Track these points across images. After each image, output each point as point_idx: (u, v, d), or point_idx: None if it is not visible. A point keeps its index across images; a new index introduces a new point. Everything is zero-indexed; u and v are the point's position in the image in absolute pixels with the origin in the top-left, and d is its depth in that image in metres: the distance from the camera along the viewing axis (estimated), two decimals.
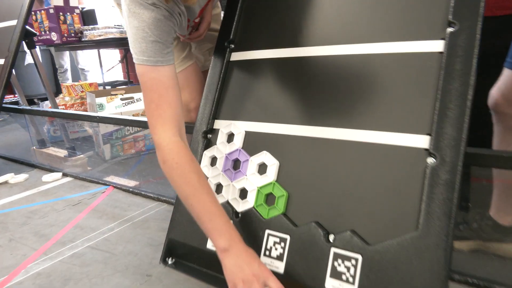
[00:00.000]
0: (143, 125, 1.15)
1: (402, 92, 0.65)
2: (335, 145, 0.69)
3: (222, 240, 0.65)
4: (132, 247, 0.93)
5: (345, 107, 0.70)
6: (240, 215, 0.76)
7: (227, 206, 0.78)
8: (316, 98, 0.74)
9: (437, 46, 0.64)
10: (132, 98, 1.95)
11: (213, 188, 0.82)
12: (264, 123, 0.79)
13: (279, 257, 0.69)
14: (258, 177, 0.76)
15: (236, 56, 0.89)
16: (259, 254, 0.71)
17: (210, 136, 0.87)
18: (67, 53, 3.22)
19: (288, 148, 0.75)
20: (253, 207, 0.75)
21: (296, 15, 0.82)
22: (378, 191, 0.63)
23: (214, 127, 0.87)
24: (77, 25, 2.67)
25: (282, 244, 0.69)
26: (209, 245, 0.78)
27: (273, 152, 0.76)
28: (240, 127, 0.82)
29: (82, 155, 1.68)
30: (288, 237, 0.69)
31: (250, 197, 0.76)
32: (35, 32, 1.60)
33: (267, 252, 0.70)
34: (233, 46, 0.90)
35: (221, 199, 0.79)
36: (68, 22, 2.63)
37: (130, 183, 1.33)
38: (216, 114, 0.88)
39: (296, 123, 0.75)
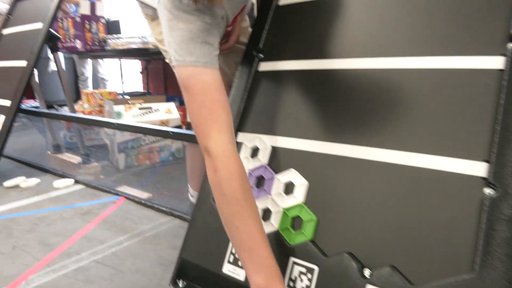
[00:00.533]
0: (161, 134, 1.11)
1: (454, 112, 0.58)
2: (374, 167, 0.62)
3: (260, 276, 0.57)
4: (141, 265, 0.86)
5: (387, 125, 0.63)
6: None
7: None
8: (352, 114, 0.67)
9: (496, 62, 0.57)
10: (150, 108, 1.92)
11: None
12: (293, 139, 0.72)
13: None
14: (284, 197, 0.69)
15: (265, 66, 0.84)
16: None
17: None
18: (89, 61, 3.26)
19: (319, 168, 0.68)
20: (277, 230, 0.67)
21: (330, 25, 0.77)
22: (425, 223, 0.55)
23: (237, 140, 0.81)
24: (102, 34, 2.69)
25: (309, 275, 0.61)
26: (226, 269, 0.70)
27: (301, 171, 0.69)
28: (266, 142, 0.75)
29: (96, 163, 1.64)
30: (316, 268, 0.61)
31: (274, 219, 0.69)
32: (59, 36, 1.60)
33: (291, 283, 0.62)
34: (261, 55, 0.85)
35: None
36: (93, 30, 2.66)
37: (143, 194, 1.28)
38: (240, 126, 0.82)
39: (329, 140, 0.68)
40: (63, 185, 1.38)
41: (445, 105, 0.58)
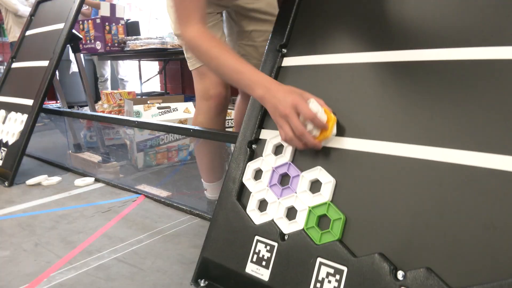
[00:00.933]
0: (182, 131, 1.10)
1: (498, 102, 0.54)
2: (409, 164, 0.58)
3: (256, 91, 0.69)
4: (162, 263, 0.85)
5: (425, 121, 0.60)
6: (286, 237, 0.66)
7: (272, 225, 0.68)
8: (385, 109, 0.64)
9: None
10: (169, 107, 1.92)
11: (257, 204, 0.73)
12: None
13: None
14: (310, 195, 0.66)
15: (289, 61, 0.81)
16: (308, 285, 0.61)
17: (255, 146, 0.78)
18: (108, 63, 3.30)
19: (347, 165, 0.65)
20: (303, 229, 0.65)
21: (362, 16, 0.74)
22: (466, 222, 0.51)
23: (260, 137, 0.79)
24: (121, 36, 2.72)
25: (337, 276, 0.59)
26: (249, 269, 0.68)
27: (328, 168, 0.66)
28: None
29: (115, 162, 1.65)
30: (345, 268, 0.58)
31: (299, 218, 0.66)
32: (80, 36, 1.61)
33: (318, 284, 0.60)
34: (285, 50, 0.82)
35: (265, 217, 0.70)
36: (112, 32, 2.70)
37: (162, 193, 1.27)
38: (263, 123, 0.80)
39: (357, 136, 0.65)
40: (84, 183, 1.39)
41: (486, 95, 0.55)
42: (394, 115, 0.63)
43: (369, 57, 0.69)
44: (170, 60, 2.92)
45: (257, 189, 0.74)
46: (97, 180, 1.44)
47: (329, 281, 0.59)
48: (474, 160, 0.53)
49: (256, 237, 0.69)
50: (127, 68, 3.31)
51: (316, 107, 0.64)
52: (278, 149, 0.75)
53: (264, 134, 0.78)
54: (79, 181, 1.40)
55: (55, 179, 1.43)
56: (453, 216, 0.52)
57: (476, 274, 0.49)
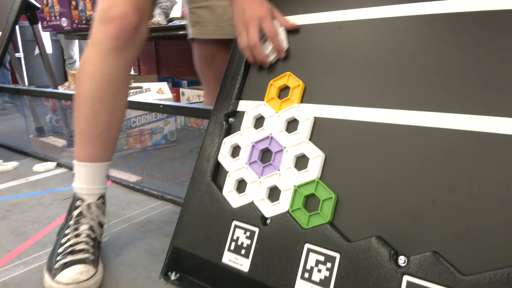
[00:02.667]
0: (153, 108, 0.98)
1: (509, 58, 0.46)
2: (409, 133, 0.50)
3: None
4: (127, 255, 0.75)
5: (425, 82, 0.51)
6: (269, 221, 0.57)
7: (252, 208, 0.59)
8: (379, 72, 0.56)
9: None
10: (141, 87, 1.79)
11: (235, 185, 0.63)
12: (309, 105, 0.61)
13: (324, 283, 0.50)
14: (296, 173, 0.57)
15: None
16: (294, 275, 0.52)
17: (233, 120, 0.69)
18: (76, 43, 3.09)
19: (336, 137, 0.56)
20: (288, 211, 0.56)
21: None
22: (478, 200, 0.44)
23: (238, 110, 0.69)
24: (90, 12, 2.53)
25: (329, 264, 0.50)
26: (226, 259, 0.59)
27: (316, 141, 0.58)
28: (273, 110, 0.64)
29: None
30: (337, 255, 0.50)
31: (283, 199, 0.57)
32: (38, 5, 1.45)
33: (306, 274, 0.51)
34: None
35: (244, 199, 0.61)
36: (80, 8, 2.50)
37: (132, 178, 1.16)
38: (241, 93, 0.70)
39: (348, 104, 0.57)
40: (44, 168, 1.26)
41: (491, 58, 0.47)
42: (388, 79, 0.54)
43: (361, 13, 0.60)
44: None
45: (235, 168, 0.64)
46: (59, 165, 1.30)
47: (319, 270, 0.51)
48: (492, 126, 0.45)
49: (234, 222, 0.60)
50: None
51: (279, 28, 0.66)
52: (258, 122, 0.65)
53: (243, 105, 0.68)
54: (39, 166, 1.27)
55: (11, 164, 1.29)
56: (465, 191, 0.45)
57: (492, 257, 0.41)
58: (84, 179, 0.71)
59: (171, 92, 1.97)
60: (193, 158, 0.70)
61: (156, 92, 1.82)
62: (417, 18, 0.55)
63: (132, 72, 3.10)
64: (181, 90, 2.37)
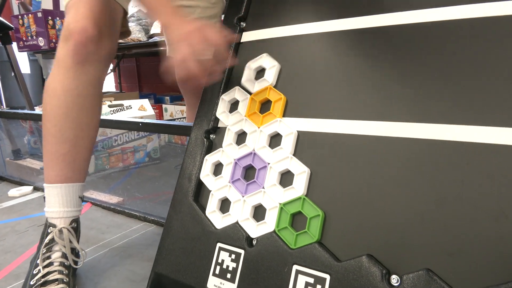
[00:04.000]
0: (132, 126, 0.95)
1: (497, 66, 0.45)
2: (400, 145, 0.49)
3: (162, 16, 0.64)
4: (107, 283, 0.70)
5: (412, 92, 0.50)
6: (255, 242, 0.55)
7: (237, 229, 0.56)
8: (364, 83, 0.54)
9: None
10: (121, 105, 1.75)
11: (218, 204, 0.61)
12: (287, 118, 0.59)
13: None
14: (281, 190, 0.55)
15: (249, 36, 0.70)
16: None
17: (214, 136, 0.66)
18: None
19: (322, 151, 0.54)
20: (274, 231, 0.53)
21: None
22: (472, 214, 0.42)
23: (219, 125, 0.67)
24: None
25: (319, 286, 0.48)
26: (211, 284, 0.56)
27: (301, 156, 0.56)
28: (255, 124, 0.62)
29: None
30: (327, 276, 0.48)
31: (269, 218, 0.55)
32: (10, 26, 1.41)
33: None
34: (244, 24, 0.71)
35: (228, 219, 0.58)
36: (57, 27, 2.46)
37: (112, 199, 1.11)
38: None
39: (333, 117, 0.55)
40: (20, 193, 1.20)
41: (486, 58, 0.46)
42: (374, 90, 0.53)
43: (341, 24, 0.59)
44: (124, 57, 2.72)
45: (217, 187, 0.61)
46: (36, 189, 1.25)
47: None
48: (480, 136, 0.44)
49: (219, 245, 0.57)
50: None
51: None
52: (240, 138, 0.63)
53: (224, 120, 0.66)
54: (14, 191, 1.21)
55: None
56: (455, 205, 0.43)
57: (486, 274, 0.40)
58: (54, 202, 0.67)
59: (153, 109, 1.93)
60: (177, 176, 0.67)
61: (138, 109, 1.78)
62: (394, 28, 0.54)
63: (113, 90, 3.05)
64: (163, 106, 2.34)
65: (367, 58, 0.55)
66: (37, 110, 1.85)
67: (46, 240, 0.65)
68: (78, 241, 0.69)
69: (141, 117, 1.77)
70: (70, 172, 0.68)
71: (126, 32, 0.84)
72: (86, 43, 0.66)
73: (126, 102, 1.76)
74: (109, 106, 1.72)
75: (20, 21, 2.50)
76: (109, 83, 3.16)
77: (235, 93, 0.66)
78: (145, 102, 1.82)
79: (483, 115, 0.44)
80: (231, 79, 0.68)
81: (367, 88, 0.54)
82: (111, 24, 0.71)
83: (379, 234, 0.47)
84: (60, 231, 0.66)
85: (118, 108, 1.73)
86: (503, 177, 0.41)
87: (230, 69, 0.68)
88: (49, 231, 0.66)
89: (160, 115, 2.30)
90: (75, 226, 0.69)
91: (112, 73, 2.97)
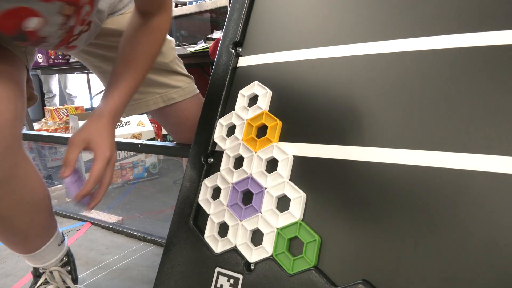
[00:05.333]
0: (131, 147, 0.96)
1: (481, 98, 0.47)
2: (393, 171, 0.50)
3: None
4: None
5: (406, 121, 0.52)
6: (253, 267, 0.56)
7: (235, 254, 0.57)
8: (356, 109, 0.56)
9: None
10: (120, 121, 1.76)
11: (216, 228, 0.62)
12: (283, 143, 0.60)
13: None
14: (278, 215, 0.56)
15: (245, 61, 0.72)
16: None
17: (212, 160, 0.67)
18: (55, 78, 3.06)
19: (316, 176, 0.56)
20: (272, 256, 0.54)
21: (321, 8, 0.66)
22: (467, 239, 0.43)
23: (216, 149, 0.68)
24: None
25: None
26: None
27: (297, 181, 0.57)
28: (252, 149, 0.63)
29: (60, 185, 1.47)
30: None
31: (266, 243, 0.56)
32: None
33: None
34: (240, 49, 0.73)
35: (226, 244, 0.59)
36: None
37: (112, 218, 1.12)
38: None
39: (327, 142, 0.56)
40: None
41: (469, 89, 0.48)
42: (363, 116, 0.54)
43: (336, 51, 0.61)
44: None
45: (216, 210, 0.62)
46: None
47: None
48: (471, 163, 0.45)
49: (217, 269, 0.58)
50: (75, 82, 3.09)
51: None
52: (237, 162, 0.64)
53: (221, 144, 0.67)
54: None
55: None
56: (447, 232, 0.44)
57: None
58: (36, 263, 0.66)
59: (152, 123, 1.95)
60: (176, 190, 0.66)
61: (136, 125, 1.80)
62: (388, 56, 0.56)
63: None
64: None
65: (358, 84, 0.57)
66: (36, 128, 1.86)
67: (40, 281, 0.65)
68: (75, 269, 0.70)
69: (140, 133, 1.79)
70: (37, 243, 0.63)
71: (31, 98, 0.67)
72: None
73: (124, 118, 1.78)
74: None
75: None
76: None
77: (232, 117, 0.67)
78: (144, 118, 1.84)
79: (475, 143, 0.46)
80: (228, 103, 0.70)
81: (359, 113, 0.55)
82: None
83: (374, 260, 0.48)
84: (51, 273, 0.66)
85: (117, 124, 1.75)
86: (495, 205, 0.42)
87: (227, 95, 0.70)
88: (40, 271, 0.67)
89: (158, 129, 2.32)
90: (66, 259, 0.69)
91: None
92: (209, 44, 1.62)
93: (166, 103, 0.80)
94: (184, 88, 0.82)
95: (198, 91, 0.86)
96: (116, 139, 0.96)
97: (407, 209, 0.47)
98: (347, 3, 0.63)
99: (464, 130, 0.47)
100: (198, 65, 2.06)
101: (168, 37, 0.80)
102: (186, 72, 0.85)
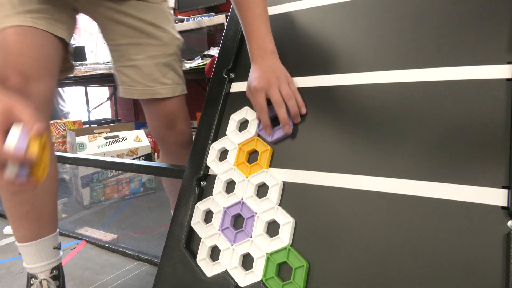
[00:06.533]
0: (126, 168, 0.98)
1: (458, 130, 0.49)
2: (375, 199, 0.52)
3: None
4: None
5: (386, 151, 0.54)
6: None
7: (226, 278, 0.59)
8: (343, 139, 0.58)
9: (503, 71, 0.49)
10: (117, 136, 1.78)
11: (208, 252, 0.63)
12: (273, 169, 0.62)
13: None
14: (268, 240, 0.58)
15: (237, 87, 0.74)
16: None
17: (205, 183, 0.69)
18: None
19: (305, 202, 0.57)
20: (261, 281, 0.56)
21: (308, 39, 0.69)
22: (443, 264, 0.45)
23: (209, 173, 0.70)
24: None
25: None
26: None
27: (286, 206, 0.59)
28: (243, 174, 0.65)
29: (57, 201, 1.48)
30: None
31: (257, 267, 0.57)
32: None
33: None
34: (233, 75, 0.75)
35: (217, 268, 0.61)
36: None
37: (107, 236, 1.13)
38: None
39: (316, 169, 0.58)
40: None
41: (446, 122, 0.50)
42: (351, 145, 0.57)
43: (323, 80, 0.64)
44: None
45: (208, 234, 0.64)
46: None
47: None
48: (450, 193, 0.47)
49: None
50: (70, 97, 3.10)
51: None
52: (229, 186, 0.66)
53: (214, 168, 0.69)
54: (9, 228, 1.22)
55: None
56: (428, 258, 0.46)
57: None
58: (31, 259, 0.68)
59: (148, 138, 1.96)
60: None
61: (133, 140, 1.81)
62: (369, 87, 0.58)
63: (110, 117, 3.08)
64: None
65: (345, 113, 0.59)
66: None
67: None
68: (64, 286, 0.71)
69: (137, 148, 1.80)
70: (36, 229, 0.68)
71: (69, 68, 0.76)
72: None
73: (121, 134, 1.79)
74: (105, 138, 1.75)
75: None
76: (105, 111, 3.21)
77: (225, 142, 0.69)
78: (141, 133, 1.85)
79: (453, 173, 0.48)
80: (221, 128, 0.72)
81: (348, 143, 0.57)
82: (42, 63, 0.63)
83: (360, 283, 0.49)
84: (41, 283, 0.67)
85: (114, 139, 1.76)
86: (471, 234, 0.44)
87: (220, 119, 0.72)
88: (31, 282, 0.68)
89: (155, 144, 2.33)
90: (57, 273, 0.70)
91: (108, 101, 3.01)
92: (206, 61, 1.66)
93: (152, 96, 0.81)
94: (172, 86, 0.83)
95: (185, 92, 0.87)
96: (112, 159, 0.98)
97: (390, 237, 0.49)
98: (330, 35, 0.66)
99: (447, 163, 0.49)
100: (194, 80, 2.10)
101: (179, 36, 0.84)
102: (181, 72, 0.86)
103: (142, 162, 0.91)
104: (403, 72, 0.56)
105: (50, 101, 0.66)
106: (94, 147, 1.71)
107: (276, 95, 0.61)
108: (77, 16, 0.76)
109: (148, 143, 1.86)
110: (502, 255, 0.42)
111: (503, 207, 0.44)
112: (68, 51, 0.73)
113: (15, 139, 0.44)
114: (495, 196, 0.45)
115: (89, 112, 2.82)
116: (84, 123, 2.58)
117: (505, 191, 0.44)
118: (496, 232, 0.43)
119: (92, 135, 1.75)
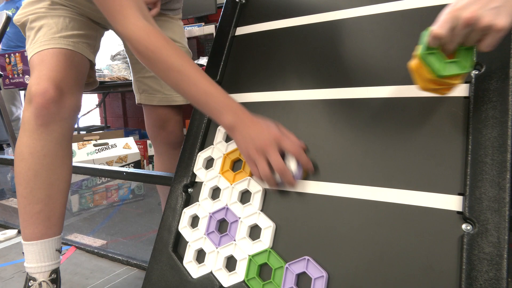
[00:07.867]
0: (116, 175, 1.01)
1: (422, 142, 0.55)
2: (343, 204, 0.57)
3: (226, 117, 0.62)
4: None
5: (356, 160, 0.59)
6: None
7: (211, 279, 0.63)
8: (320, 149, 0.63)
9: (461, 90, 0.55)
10: (106, 144, 1.81)
11: (194, 255, 0.67)
12: (257, 178, 0.67)
13: None
14: (250, 242, 0.62)
15: None
16: None
17: (192, 190, 0.73)
18: (19, 98, 2.97)
19: (285, 207, 0.62)
20: (244, 281, 0.60)
21: (290, 55, 0.74)
22: (403, 266, 0.50)
23: (196, 180, 0.74)
24: None
25: None
26: None
27: (267, 211, 0.63)
28: (228, 181, 0.69)
29: None
30: None
31: (239, 268, 0.61)
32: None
33: None
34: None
35: (203, 269, 0.64)
36: None
37: (96, 242, 1.15)
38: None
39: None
40: (4, 237, 1.22)
41: (412, 135, 0.55)
42: (328, 155, 0.62)
43: (307, 94, 0.69)
44: (110, 92, 2.79)
45: (194, 238, 0.68)
46: (20, 232, 1.27)
47: None
48: (410, 198, 0.52)
49: None
50: None
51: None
52: (215, 193, 0.70)
53: (201, 176, 0.73)
54: None
55: None
56: (392, 259, 0.51)
57: None
58: (32, 258, 0.71)
59: (138, 145, 2.00)
60: (160, 212, 0.71)
61: (123, 147, 1.84)
62: (349, 102, 0.63)
63: (99, 124, 3.10)
64: (148, 141, 2.40)
65: (323, 126, 0.64)
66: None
67: None
68: None
69: (126, 156, 1.83)
70: (44, 229, 0.72)
71: (93, 83, 0.87)
72: (47, 105, 0.68)
73: (111, 141, 1.82)
74: (94, 145, 1.78)
75: (7, 60, 2.56)
76: (95, 118, 3.22)
77: (211, 151, 0.73)
78: (130, 141, 1.88)
79: (416, 181, 0.53)
80: (208, 138, 0.76)
81: (327, 152, 0.62)
82: (75, 80, 0.74)
83: (332, 282, 0.54)
84: (40, 284, 0.70)
85: (103, 147, 1.79)
86: (430, 236, 0.49)
87: (206, 130, 0.76)
88: (30, 284, 0.70)
89: (144, 151, 2.36)
90: (55, 276, 0.73)
91: (97, 108, 3.02)
92: None
93: (169, 103, 0.94)
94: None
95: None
96: (101, 167, 1.01)
97: (362, 239, 0.54)
98: (336, 49, 0.71)
99: (408, 171, 0.54)
100: None
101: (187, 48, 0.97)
102: None
103: (131, 169, 0.94)
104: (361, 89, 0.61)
105: (78, 111, 0.77)
106: (83, 154, 1.73)
107: (264, 170, 0.60)
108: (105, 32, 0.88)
109: (138, 150, 1.89)
110: (457, 254, 0.47)
111: (458, 212, 0.49)
112: (93, 69, 0.85)
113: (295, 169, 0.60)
114: (452, 202, 0.50)
115: (78, 118, 2.83)
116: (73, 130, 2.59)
117: (461, 197, 0.50)
118: (453, 234, 0.48)
119: (82, 142, 1.77)
